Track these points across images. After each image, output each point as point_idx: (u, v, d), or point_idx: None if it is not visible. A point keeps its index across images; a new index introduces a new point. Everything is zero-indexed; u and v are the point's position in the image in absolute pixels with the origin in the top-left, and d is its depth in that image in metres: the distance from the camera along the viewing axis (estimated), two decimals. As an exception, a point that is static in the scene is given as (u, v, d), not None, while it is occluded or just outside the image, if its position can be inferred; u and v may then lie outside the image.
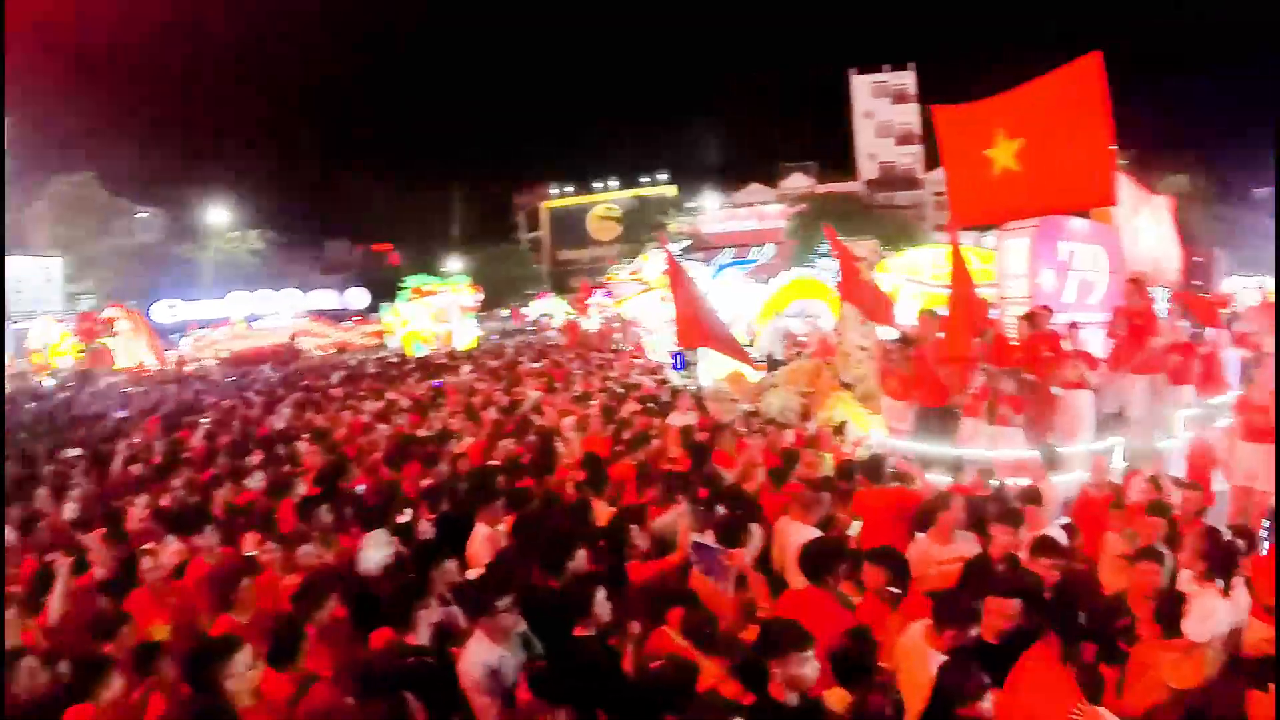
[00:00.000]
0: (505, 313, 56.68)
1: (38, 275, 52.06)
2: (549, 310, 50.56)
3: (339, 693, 4.58)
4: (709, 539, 5.89)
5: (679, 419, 11.36)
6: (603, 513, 7.37)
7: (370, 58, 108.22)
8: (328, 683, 4.73)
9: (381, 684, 4.28)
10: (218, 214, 60.67)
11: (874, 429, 11.15)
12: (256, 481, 9.60)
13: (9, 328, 44.49)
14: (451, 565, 5.78)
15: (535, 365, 22.26)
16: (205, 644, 4.82)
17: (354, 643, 5.32)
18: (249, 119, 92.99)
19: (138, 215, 60.04)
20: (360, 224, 75.39)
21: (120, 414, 18.14)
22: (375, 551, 6.41)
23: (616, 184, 74.73)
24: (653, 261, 25.79)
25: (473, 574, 5.91)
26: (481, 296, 40.83)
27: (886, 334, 12.52)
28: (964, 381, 10.11)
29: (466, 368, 22.77)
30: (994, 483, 8.04)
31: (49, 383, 29.78)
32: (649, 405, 12.99)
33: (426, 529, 7.15)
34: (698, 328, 11.71)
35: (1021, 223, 11.30)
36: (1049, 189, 10.01)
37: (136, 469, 11.25)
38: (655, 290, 23.08)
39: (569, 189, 77.43)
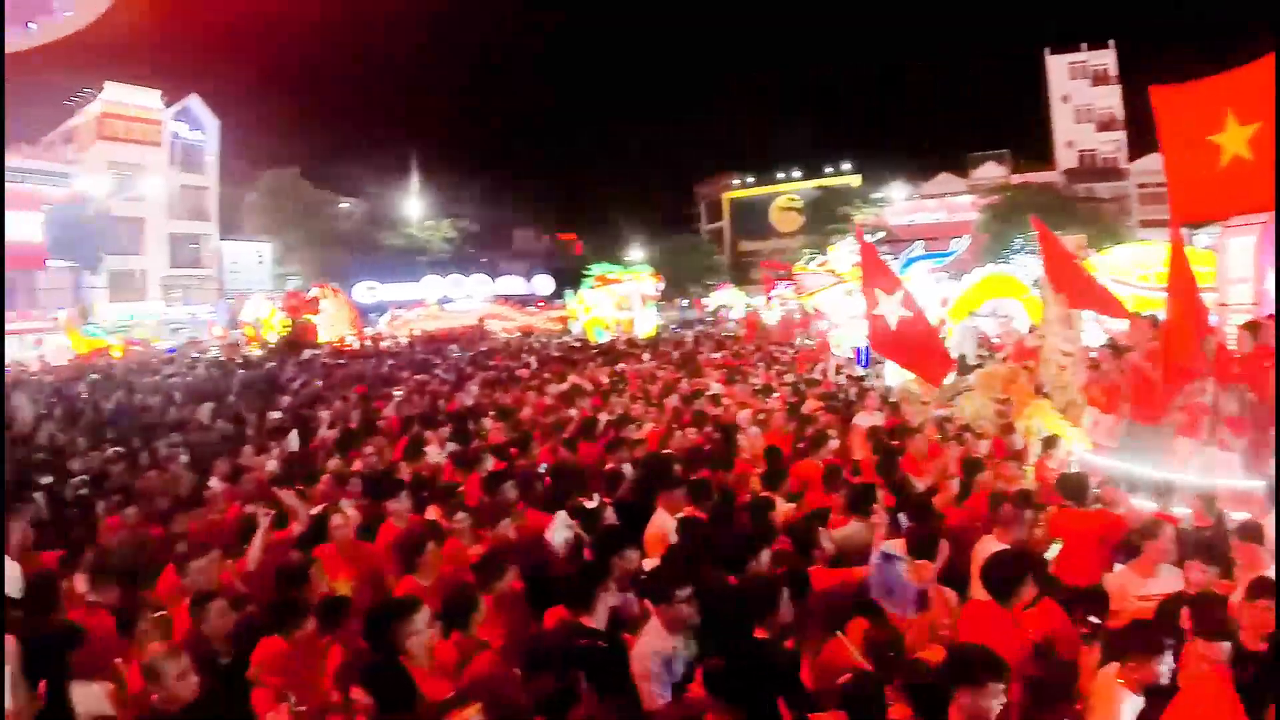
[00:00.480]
0: (685, 302, 57.18)
1: (250, 257, 56.75)
2: (728, 301, 50.39)
3: (506, 663, 4.65)
4: (898, 548, 5.64)
5: (866, 419, 10.99)
6: (781, 511, 7.20)
7: (558, 51, 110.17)
8: (496, 653, 4.81)
9: (553, 661, 4.31)
10: (413, 204, 64.12)
11: (1075, 443, 10.36)
12: (440, 455, 9.95)
13: (223, 303, 48.59)
14: (633, 553, 5.74)
15: (715, 356, 22.18)
16: (388, 603, 5.04)
17: (527, 618, 5.41)
18: (442, 114, 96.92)
19: (340, 205, 64.28)
20: (547, 214, 78.13)
21: (320, 383, 19.12)
22: (559, 532, 6.50)
23: (799, 174, 73.43)
24: (842, 252, 25.16)
25: (649, 563, 5.87)
26: (663, 286, 41.23)
27: (1091, 339, 11.69)
28: (1181, 397, 9.06)
29: (647, 355, 22.98)
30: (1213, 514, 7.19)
31: (257, 353, 31.78)
32: (832, 402, 12.70)
33: (609, 514, 7.13)
34: (889, 335, 11.20)
35: (1247, 219, 10.25)
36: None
37: (333, 433, 11.84)
38: (846, 283, 22.45)
39: (750, 179, 76.85)
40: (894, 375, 14.89)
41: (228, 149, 58.31)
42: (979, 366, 14.40)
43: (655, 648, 4.63)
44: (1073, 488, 7.05)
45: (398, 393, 16.45)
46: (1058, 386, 11.70)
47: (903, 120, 68.22)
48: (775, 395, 13.55)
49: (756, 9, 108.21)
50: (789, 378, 16.48)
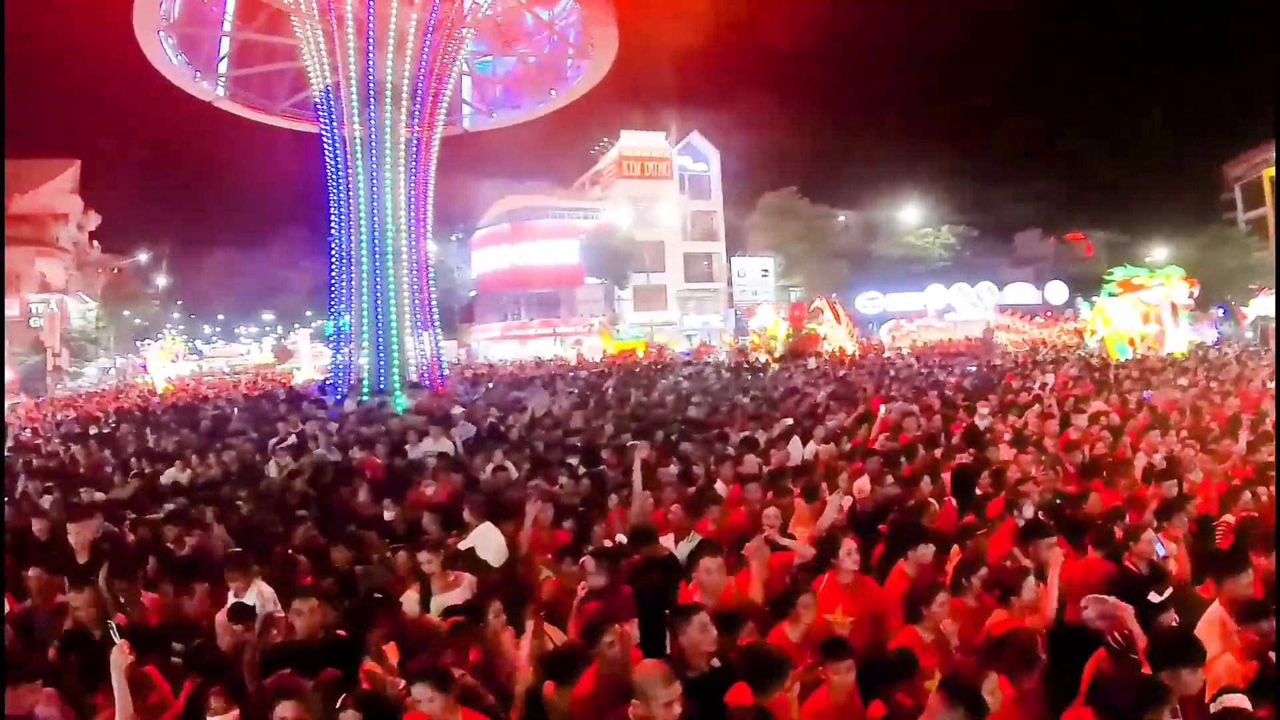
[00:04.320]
0: (1222, 312, 48.50)
1: (755, 271, 61.55)
2: (1272, 311, 42.34)
3: None
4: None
5: None
6: None
7: (1048, 43, 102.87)
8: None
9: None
10: (910, 213, 64.44)
11: None
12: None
13: (731, 313, 53.80)
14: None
15: (1271, 386, 17.91)
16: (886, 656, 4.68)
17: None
18: (937, 120, 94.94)
19: (838, 218, 66.47)
20: (1050, 214, 71.56)
21: (822, 394, 18.95)
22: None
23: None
24: None
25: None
26: (1197, 291, 35.72)
27: None
28: None
29: (1183, 379, 19.56)
30: None
31: (763, 358, 33.38)
32: None
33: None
34: None
35: None
36: None
37: (828, 450, 11.40)
38: None
39: (1294, 154, 63.12)
40: None
41: (729, 175, 66.28)
42: None
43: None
44: None
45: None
46: None
47: None
48: None
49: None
50: None
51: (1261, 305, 42.85)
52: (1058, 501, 8.19)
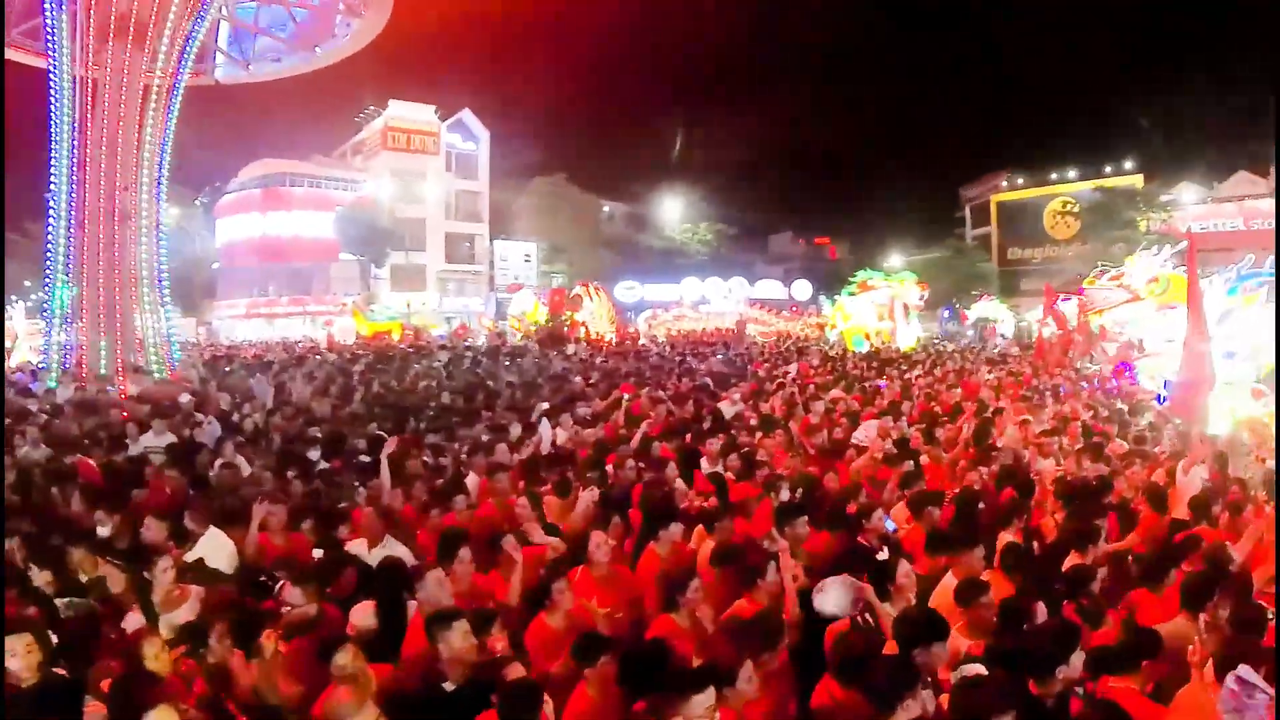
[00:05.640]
0: (948, 314, 53.66)
1: (519, 255, 60.64)
2: (991, 314, 47.37)
3: None
4: (1252, 674, 4.09)
5: (1194, 473, 8.92)
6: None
7: (818, 51, 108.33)
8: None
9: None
10: (673, 208, 66.06)
11: None
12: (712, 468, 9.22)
13: (492, 296, 52.95)
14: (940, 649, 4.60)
15: (989, 377, 20.07)
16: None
17: (790, 692, 4.87)
18: (704, 119, 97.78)
19: (604, 208, 67.36)
20: (803, 218, 77.16)
21: (578, 379, 19.19)
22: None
23: (1075, 174, 67.41)
24: (1139, 265, 22.71)
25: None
26: (928, 295, 39.31)
27: None
28: None
29: (916, 371, 21.49)
30: None
31: (522, 342, 33.52)
32: (1140, 448, 10.85)
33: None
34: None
35: None
36: None
37: (594, 433, 11.47)
38: (1145, 301, 20.09)
39: (1021, 180, 71.32)
40: (1217, 419, 12.55)
41: (498, 157, 64.37)
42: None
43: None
44: None
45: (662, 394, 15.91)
46: None
47: (1194, 111, 59.15)
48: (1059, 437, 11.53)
49: None
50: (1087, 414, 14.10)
51: (981, 309, 47.70)
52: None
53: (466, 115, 63.27)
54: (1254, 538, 6.60)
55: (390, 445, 8.88)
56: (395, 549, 6.40)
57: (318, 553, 6.46)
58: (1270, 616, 4.95)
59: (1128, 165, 63.58)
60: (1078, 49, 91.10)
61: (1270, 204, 50.28)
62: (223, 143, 50.85)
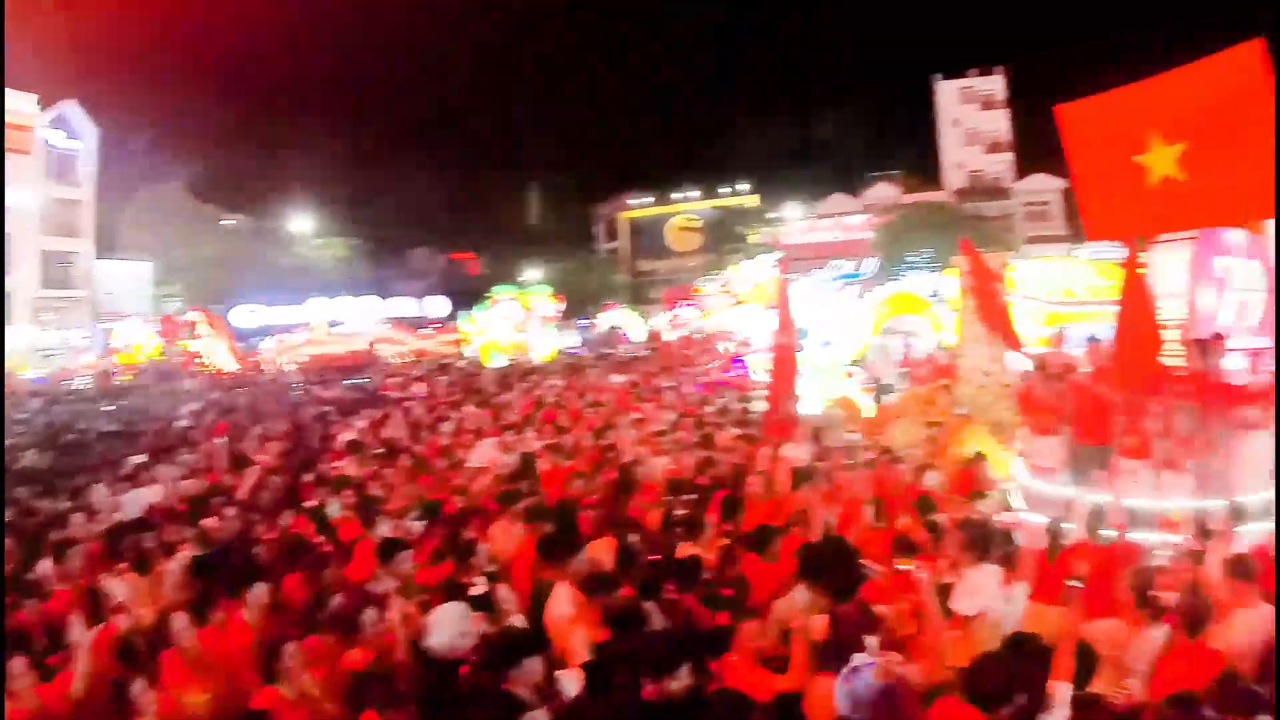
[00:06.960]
0: (584, 323, 55.72)
1: (127, 278, 53.42)
2: (620, 322, 49.74)
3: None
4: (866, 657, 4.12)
5: (793, 450, 10.12)
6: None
7: (451, 68, 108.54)
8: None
9: None
10: (302, 221, 62.28)
11: (1014, 468, 9.80)
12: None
13: (97, 328, 45.91)
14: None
15: (619, 380, 21.02)
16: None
17: None
18: (334, 130, 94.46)
19: (224, 221, 61.68)
20: (443, 233, 76.15)
21: (185, 421, 17.54)
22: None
23: (697, 194, 73.59)
24: (743, 273, 24.71)
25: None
26: (563, 306, 40.27)
27: (1015, 359, 11.28)
28: (1128, 417, 8.62)
29: (553, 381, 21.82)
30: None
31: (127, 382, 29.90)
32: (747, 433, 11.88)
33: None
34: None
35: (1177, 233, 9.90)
36: (1214, 199, 8.35)
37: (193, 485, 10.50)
38: (746, 304, 21.90)
39: (648, 199, 76.48)
40: (812, 401, 14.03)
41: (107, 160, 53.98)
42: (893, 389, 13.97)
43: None
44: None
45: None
46: (977, 406, 11.33)
47: (799, 142, 68.92)
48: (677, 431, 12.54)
49: (655, 28, 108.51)
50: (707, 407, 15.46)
51: (611, 318, 50.19)
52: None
53: (72, 108, 51.88)
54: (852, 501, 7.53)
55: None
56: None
57: None
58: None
59: (744, 187, 70.20)
60: (704, 90, 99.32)
61: (859, 219, 58.59)
62: None
